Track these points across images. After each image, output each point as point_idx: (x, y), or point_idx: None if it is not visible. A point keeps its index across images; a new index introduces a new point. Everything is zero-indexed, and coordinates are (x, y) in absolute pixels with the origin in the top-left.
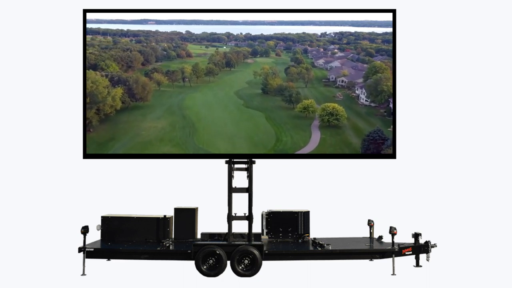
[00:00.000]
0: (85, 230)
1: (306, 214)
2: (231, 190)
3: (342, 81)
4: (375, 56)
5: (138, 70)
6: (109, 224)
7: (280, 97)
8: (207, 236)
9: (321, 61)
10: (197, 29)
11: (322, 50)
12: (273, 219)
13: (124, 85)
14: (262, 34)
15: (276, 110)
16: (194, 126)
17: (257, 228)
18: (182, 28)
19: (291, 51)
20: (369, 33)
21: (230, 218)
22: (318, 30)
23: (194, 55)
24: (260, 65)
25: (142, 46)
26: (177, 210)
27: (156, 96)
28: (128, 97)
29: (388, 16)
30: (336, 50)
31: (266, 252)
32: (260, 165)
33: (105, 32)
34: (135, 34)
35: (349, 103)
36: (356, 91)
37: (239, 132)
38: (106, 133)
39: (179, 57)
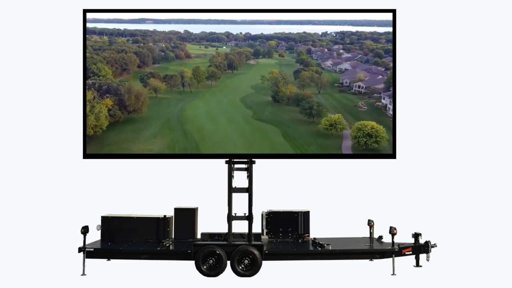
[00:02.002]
0: (85, 230)
1: (306, 214)
2: (231, 190)
3: (359, 86)
4: (384, 57)
5: (133, 73)
6: (109, 224)
7: (296, 107)
8: (207, 236)
9: (328, 63)
10: (196, 29)
11: (326, 50)
12: (273, 219)
13: (114, 96)
14: (262, 33)
15: (293, 124)
16: (198, 148)
17: (257, 228)
18: (180, 28)
19: (294, 52)
20: (371, 33)
21: (230, 218)
22: (318, 29)
23: (193, 56)
24: (264, 68)
25: (139, 47)
26: (177, 210)
27: (153, 105)
28: (118, 109)
29: (388, 16)
30: (341, 51)
31: (266, 252)
32: (260, 165)
33: (101, 32)
34: (132, 33)
35: (376, 115)
36: (383, 100)
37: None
38: None
39: (178, 58)
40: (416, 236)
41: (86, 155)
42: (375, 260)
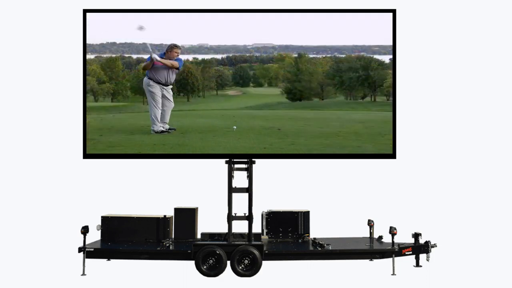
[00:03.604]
0: (85, 230)
1: (306, 214)
2: (231, 190)
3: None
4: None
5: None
6: (109, 224)
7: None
8: (207, 236)
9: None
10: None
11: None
12: (273, 219)
13: None
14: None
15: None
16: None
17: (257, 228)
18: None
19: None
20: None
21: (230, 218)
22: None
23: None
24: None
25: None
26: (177, 210)
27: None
28: None
29: (388, 16)
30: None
31: (266, 252)
32: (260, 165)
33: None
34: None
35: None
36: None
37: None
38: None
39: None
40: (416, 236)
41: (86, 155)
42: (375, 260)
